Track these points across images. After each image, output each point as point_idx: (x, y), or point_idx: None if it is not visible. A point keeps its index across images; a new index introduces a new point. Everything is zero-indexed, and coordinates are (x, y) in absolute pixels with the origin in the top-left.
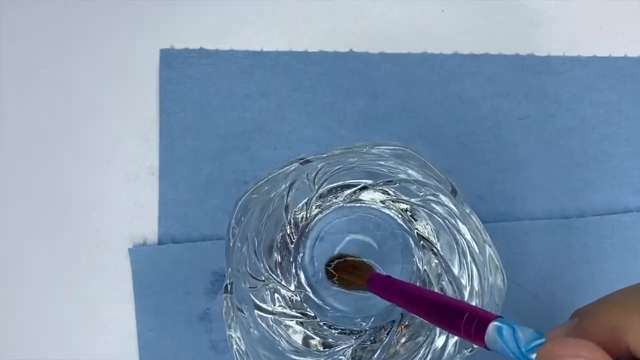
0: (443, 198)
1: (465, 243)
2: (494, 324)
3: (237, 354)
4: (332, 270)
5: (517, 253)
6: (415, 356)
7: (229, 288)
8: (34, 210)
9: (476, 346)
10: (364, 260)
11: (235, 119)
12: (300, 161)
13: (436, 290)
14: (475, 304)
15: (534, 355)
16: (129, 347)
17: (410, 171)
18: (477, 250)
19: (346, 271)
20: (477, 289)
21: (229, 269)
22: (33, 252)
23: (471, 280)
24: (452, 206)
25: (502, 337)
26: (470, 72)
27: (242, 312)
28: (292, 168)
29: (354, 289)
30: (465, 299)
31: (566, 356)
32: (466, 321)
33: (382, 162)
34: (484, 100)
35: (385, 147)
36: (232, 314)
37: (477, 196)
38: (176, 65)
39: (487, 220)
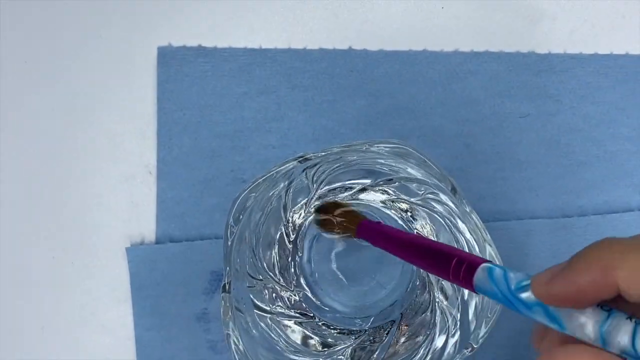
0: (443, 197)
1: (465, 242)
2: (484, 265)
3: (235, 353)
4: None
5: (518, 253)
6: (414, 356)
7: (227, 287)
8: (31, 209)
9: (476, 346)
10: (355, 208)
11: (234, 118)
12: (299, 159)
13: (436, 290)
14: (476, 303)
15: (524, 294)
16: (127, 347)
17: (409, 169)
18: (478, 250)
19: (336, 215)
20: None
21: (227, 268)
22: (29, 252)
23: None
24: (452, 205)
25: (492, 277)
26: (471, 70)
27: (241, 311)
28: (291, 166)
29: (343, 235)
30: (465, 298)
31: None
32: (455, 264)
33: (382, 161)
34: (486, 100)
35: (384, 145)
36: (230, 313)
37: (478, 195)
38: (174, 63)
39: (488, 219)
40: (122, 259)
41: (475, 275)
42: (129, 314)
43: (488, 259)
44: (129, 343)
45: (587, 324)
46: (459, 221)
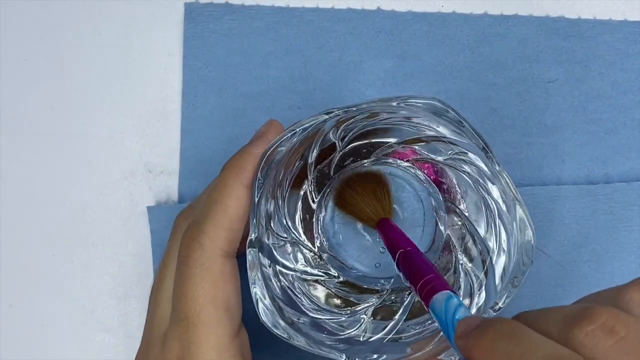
0: (472, 156)
1: (493, 202)
2: (443, 293)
3: (262, 311)
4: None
5: (542, 219)
6: None
7: (253, 242)
8: (30, 207)
9: (502, 305)
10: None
11: (259, 77)
12: (329, 114)
13: (459, 253)
14: (504, 265)
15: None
16: (127, 345)
17: (440, 128)
18: (505, 209)
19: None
20: (505, 248)
21: (254, 220)
22: (29, 249)
23: (499, 240)
24: (482, 164)
25: (447, 305)
26: (500, 33)
27: (265, 267)
28: (319, 121)
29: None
30: (494, 259)
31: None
32: (423, 283)
33: (411, 118)
34: (514, 64)
35: (416, 101)
36: (255, 268)
37: (504, 160)
38: (200, 20)
39: None
40: (121, 257)
41: (435, 297)
42: (129, 312)
43: (517, 219)
44: (128, 341)
45: None
46: (487, 182)
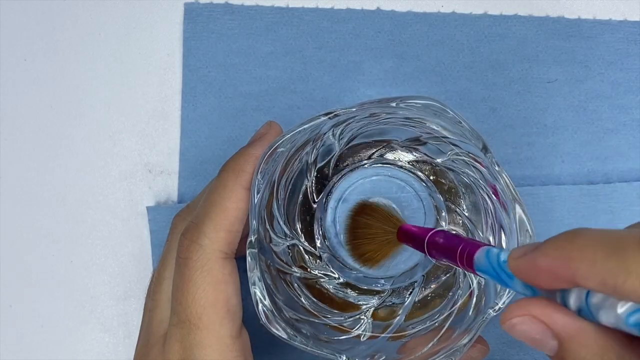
0: (471, 157)
1: (491, 203)
2: (483, 248)
3: (262, 312)
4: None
5: (542, 219)
6: (438, 316)
7: (253, 243)
8: (30, 207)
9: (503, 306)
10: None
11: (259, 77)
12: (329, 115)
13: None
14: None
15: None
16: (126, 345)
17: (439, 128)
18: (505, 210)
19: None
20: (504, 248)
21: (254, 222)
22: (29, 250)
23: (498, 240)
24: (480, 166)
25: (489, 258)
26: (500, 34)
27: (265, 268)
28: (319, 122)
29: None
30: None
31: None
32: (460, 252)
33: (411, 118)
34: (514, 64)
35: (415, 101)
36: (255, 269)
37: (504, 160)
38: (200, 20)
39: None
40: (120, 257)
41: (475, 256)
42: (128, 312)
43: (517, 219)
44: (128, 341)
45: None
46: (487, 182)
